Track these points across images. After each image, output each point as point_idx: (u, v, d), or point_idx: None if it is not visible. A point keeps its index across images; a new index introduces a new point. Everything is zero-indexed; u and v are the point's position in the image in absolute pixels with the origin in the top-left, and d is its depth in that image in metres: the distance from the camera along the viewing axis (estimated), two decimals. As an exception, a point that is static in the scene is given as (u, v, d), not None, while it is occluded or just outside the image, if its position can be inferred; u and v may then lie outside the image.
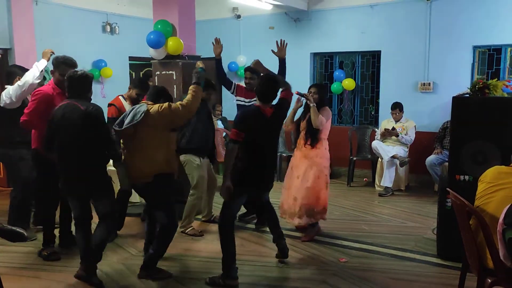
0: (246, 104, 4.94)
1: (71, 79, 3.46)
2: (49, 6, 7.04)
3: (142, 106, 3.43)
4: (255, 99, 4.84)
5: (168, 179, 3.56)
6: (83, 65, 7.39)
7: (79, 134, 3.36)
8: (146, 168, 3.44)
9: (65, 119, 3.37)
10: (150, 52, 5.29)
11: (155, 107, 3.43)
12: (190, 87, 3.57)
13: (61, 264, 3.91)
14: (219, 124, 7.30)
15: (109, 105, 4.52)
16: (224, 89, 5.27)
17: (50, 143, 3.49)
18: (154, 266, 3.66)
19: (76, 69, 3.61)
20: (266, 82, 3.68)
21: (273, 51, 4.69)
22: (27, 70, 4.46)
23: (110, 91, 7.32)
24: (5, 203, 5.86)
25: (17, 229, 3.13)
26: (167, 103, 3.46)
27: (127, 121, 3.38)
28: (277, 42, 4.68)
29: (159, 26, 5.12)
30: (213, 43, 4.92)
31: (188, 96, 3.52)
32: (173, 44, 5.04)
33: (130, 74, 8.50)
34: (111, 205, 3.56)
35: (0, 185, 6.73)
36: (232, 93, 5.10)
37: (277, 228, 4.00)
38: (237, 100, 5.05)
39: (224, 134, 7.22)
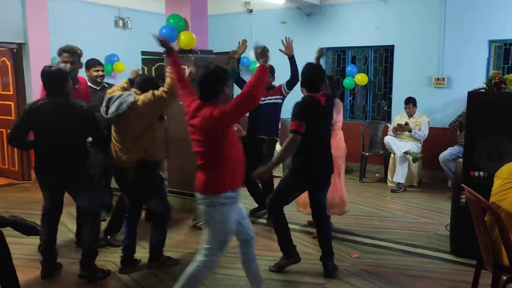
0: (260, 102, 4.92)
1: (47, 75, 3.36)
2: (63, 1, 7.10)
3: (130, 96, 3.42)
4: (269, 97, 4.86)
5: (150, 168, 3.54)
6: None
7: (73, 131, 3.37)
8: (129, 153, 3.45)
9: (56, 116, 3.32)
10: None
11: (141, 97, 3.43)
12: (166, 70, 3.52)
13: (76, 257, 3.95)
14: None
15: None
16: (236, 86, 5.24)
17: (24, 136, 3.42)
18: (162, 255, 3.73)
19: (50, 64, 3.52)
20: (310, 70, 3.51)
21: (280, 50, 4.66)
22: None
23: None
24: (20, 195, 5.96)
25: (31, 223, 3.18)
26: (151, 91, 3.44)
27: (112, 109, 3.38)
28: (282, 40, 4.65)
29: (171, 21, 5.12)
30: (239, 42, 4.88)
31: (167, 80, 3.46)
32: (185, 39, 5.04)
33: (142, 69, 8.53)
34: (93, 201, 3.52)
35: (15, 178, 6.83)
36: None
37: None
38: None
39: (235, 128, 7.20)
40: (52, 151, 3.37)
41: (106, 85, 4.65)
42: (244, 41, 4.87)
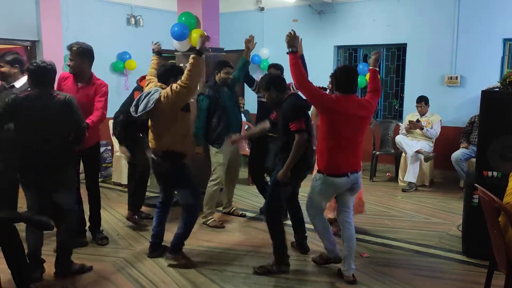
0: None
1: (45, 70, 3.32)
2: (76, -1, 7.15)
3: (156, 94, 3.48)
4: None
5: (178, 158, 3.63)
6: (108, 57, 7.57)
7: (56, 123, 3.31)
8: (157, 143, 3.60)
9: (40, 109, 3.25)
10: (174, 45, 5.32)
11: (163, 93, 3.48)
12: (190, 58, 3.44)
13: (89, 252, 3.99)
14: (242, 117, 7.30)
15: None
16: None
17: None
18: (181, 249, 3.74)
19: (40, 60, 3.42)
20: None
21: None
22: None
23: (134, 83, 7.40)
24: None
25: (44, 219, 3.21)
26: (169, 88, 3.47)
27: (140, 108, 3.47)
28: None
29: (183, 19, 5.14)
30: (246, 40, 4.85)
31: (185, 73, 3.44)
32: (197, 37, 5.05)
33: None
34: (74, 197, 3.54)
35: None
36: (254, 90, 5.09)
37: (302, 227, 4.04)
38: (258, 97, 5.04)
39: (246, 127, 7.21)
40: (37, 146, 3.26)
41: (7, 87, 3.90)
42: (251, 38, 4.79)
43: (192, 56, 3.44)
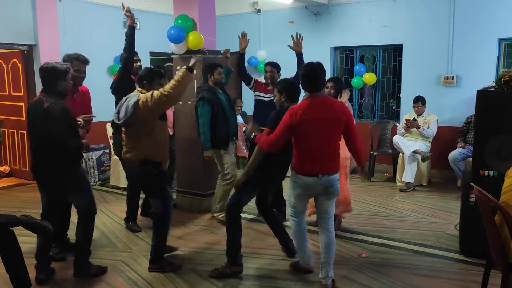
0: (265, 99, 4.94)
1: (40, 72, 3.39)
2: (72, 3, 7.15)
3: (134, 97, 3.41)
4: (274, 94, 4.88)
5: (154, 167, 3.55)
6: (105, 61, 7.57)
7: (42, 130, 3.31)
8: (132, 152, 3.52)
9: (31, 114, 3.39)
10: (171, 47, 5.33)
11: (142, 97, 3.40)
12: (180, 70, 3.41)
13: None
14: (239, 119, 7.32)
15: None
16: (244, 84, 5.26)
17: None
18: (162, 259, 3.71)
19: (47, 62, 3.49)
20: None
21: (289, 46, 4.67)
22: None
23: (132, 86, 7.41)
24: (31, 195, 6.02)
25: (43, 223, 3.21)
26: (150, 93, 3.39)
27: (121, 114, 3.41)
28: (292, 36, 4.65)
29: (179, 21, 5.15)
30: (239, 36, 4.89)
31: (171, 82, 3.38)
32: (193, 39, 5.06)
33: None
34: (87, 201, 3.51)
35: (26, 178, 6.91)
36: (251, 88, 5.11)
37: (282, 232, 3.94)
38: (255, 95, 5.06)
39: (244, 128, 7.23)
40: (38, 150, 3.39)
41: None
42: (244, 35, 4.85)
43: (182, 69, 3.40)
